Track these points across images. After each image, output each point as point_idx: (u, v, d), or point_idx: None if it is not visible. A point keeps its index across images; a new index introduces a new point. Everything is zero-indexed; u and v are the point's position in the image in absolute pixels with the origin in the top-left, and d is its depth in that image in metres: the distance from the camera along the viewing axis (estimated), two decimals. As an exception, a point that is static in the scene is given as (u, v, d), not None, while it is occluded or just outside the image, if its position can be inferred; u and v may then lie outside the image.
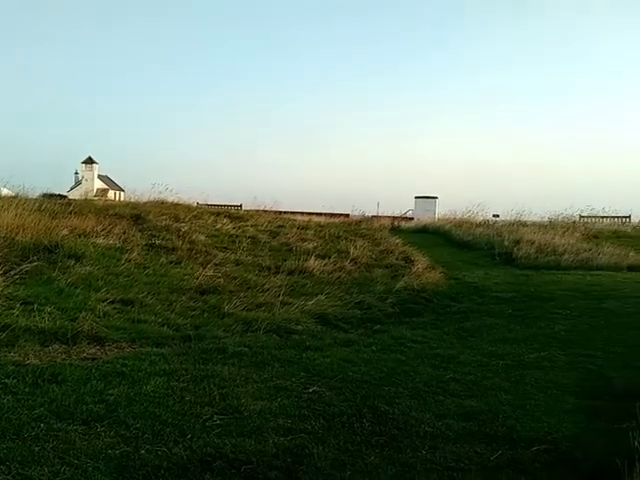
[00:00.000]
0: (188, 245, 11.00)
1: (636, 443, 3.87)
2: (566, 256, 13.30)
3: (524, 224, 19.69)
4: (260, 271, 10.05)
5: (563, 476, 4.00)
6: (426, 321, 8.18)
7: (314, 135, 54.68)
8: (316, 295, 8.69)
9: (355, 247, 12.18)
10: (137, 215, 12.84)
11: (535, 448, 4.32)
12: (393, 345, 7.00)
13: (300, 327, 7.42)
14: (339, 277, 10.10)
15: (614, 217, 25.35)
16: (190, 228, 12.40)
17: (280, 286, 8.92)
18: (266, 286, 8.88)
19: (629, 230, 22.27)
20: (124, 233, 11.21)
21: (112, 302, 7.45)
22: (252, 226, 13.98)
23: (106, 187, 51.40)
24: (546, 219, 22.07)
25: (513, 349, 6.83)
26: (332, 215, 23.54)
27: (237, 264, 10.34)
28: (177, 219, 13.10)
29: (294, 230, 14.02)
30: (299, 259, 10.82)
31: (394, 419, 4.78)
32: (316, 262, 10.57)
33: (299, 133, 52.29)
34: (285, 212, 22.12)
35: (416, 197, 31.37)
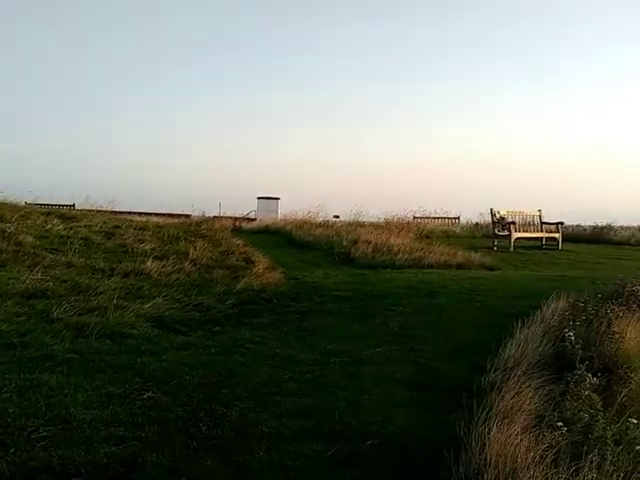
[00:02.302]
0: (14, 247, 10.33)
1: (462, 433, 4.07)
2: (400, 255, 13.80)
3: (362, 224, 20.29)
4: (93, 274, 9.62)
5: (396, 467, 4.13)
6: (266, 322, 8.18)
7: (154, 134, 53.51)
8: (153, 298, 8.45)
9: (195, 248, 11.98)
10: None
11: (369, 442, 4.44)
12: (232, 347, 6.94)
13: (135, 331, 7.17)
14: (178, 279, 9.88)
15: (445, 218, 26.69)
16: (17, 229, 11.65)
17: (115, 289, 8.58)
18: (99, 289, 8.51)
19: (458, 230, 23.56)
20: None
21: None
22: (85, 226, 13.37)
23: None
24: (382, 220, 22.84)
25: (350, 346, 6.98)
26: (172, 215, 23.10)
27: (68, 266, 9.84)
28: (2, 219, 12.27)
29: (131, 231, 13.56)
30: (136, 261, 10.48)
31: (231, 421, 4.73)
32: (154, 264, 10.28)
33: (138, 132, 50.98)
34: (122, 212, 21.43)
35: (258, 198, 31.46)
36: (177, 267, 10.63)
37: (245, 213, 30.34)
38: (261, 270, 11.07)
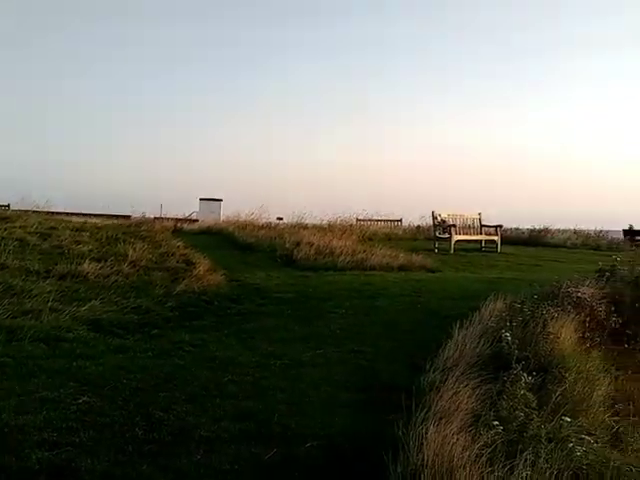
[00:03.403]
0: (-55, 249, 10.00)
1: (400, 433, 4.09)
2: (343, 257, 13.83)
3: (305, 227, 20.26)
4: (28, 276, 9.36)
5: (334, 469, 4.12)
6: (206, 324, 8.10)
7: (94, 134, 52.61)
8: (90, 300, 8.28)
9: (134, 250, 11.77)
10: None
11: (309, 444, 4.42)
12: (171, 350, 6.84)
13: (71, 335, 7.00)
14: (116, 281, 9.69)
15: (387, 220, 26.88)
16: (-53, 231, 11.27)
17: (50, 292, 8.38)
18: (34, 292, 8.30)
19: (400, 233, 23.77)
20: None
21: None
22: (20, 227, 13.01)
23: None
24: (325, 222, 22.89)
25: (291, 348, 6.97)
26: (111, 216, 22.71)
27: (2, 268, 9.57)
28: None
29: (67, 232, 13.26)
30: (72, 263, 10.24)
31: (169, 425, 4.66)
32: (91, 265, 10.06)
33: (76, 131, 50.02)
34: (59, 213, 20.94)
35: (200, 199, 31.23)
36: (115, 269, 10.43)
37: (187, 214, 30.05)
38: (202, 272, 10.95)
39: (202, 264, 11.73)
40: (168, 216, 26.16)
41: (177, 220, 24.64)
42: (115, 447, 4.24)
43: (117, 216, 23.15)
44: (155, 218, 24.03)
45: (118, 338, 7.21)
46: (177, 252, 13.04)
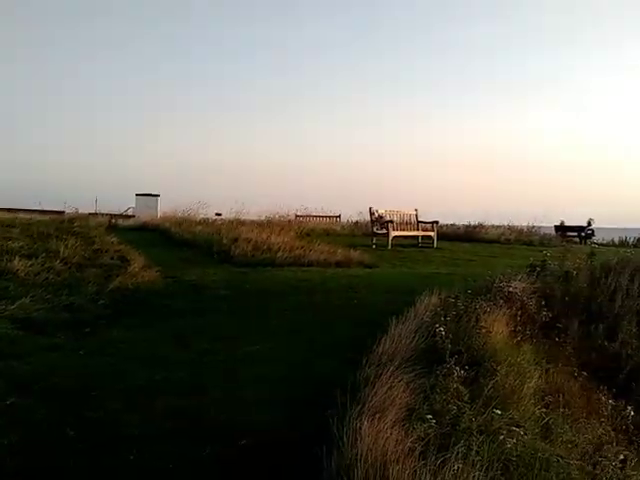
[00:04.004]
0: None
1: (335, 429, 4.09)
2: (281, 253, 13.78)
3: (243, 223, 20.13)
4: (-46, 273, 9.04)
5: (268, 465, 4.10)
6: (140, 321, 7.96)
7: (26, 129, 51.31)
8: (20, 298, 8.03)
9: (66, 246, 11.48)
10: None
11: (243, 441, 4.39)
12: (103, 348, 6.70)
13: (-1, 333, 6.79)
14: (47, 278, 9.43)
15: (326, 216, 26.97)
16: None
17: (-23, 289, 8.10)
18: (-40, 290, 8.01)
19: (338, 229, 23.85)
20: None
21: None
22: (-53, 223, 12.56)
23: None
24: (264, 218, 22.81)
25: (227, 345, 6.90)
26: (43, 212, 22.10)
27: None
28: None
29: (-4, 228, 12.85)
30: (2, 259, 9.93)
31: (100, 425, 4.57)
32: (21, 262, 9.77)
33: (10, 128, 48.67)
34: (-13, 208, 20.32)
35: (137, 194, 30.73)
36: (47, 266, 10.15)
37: (123, 210, 29.55)
38: (136, 269, 10.74)
39: (137, 261, 11.52)
40: (103, 212, 25.68)
41: (112, 216, 24.21)
42: (45, 447, 4.15)
43: (50, 212, 22.53)
44: (90, 214, 23.54)
45: (49, 337, 7.02)
46: (111, 248, 12.79)
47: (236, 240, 14.97)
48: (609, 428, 5.50)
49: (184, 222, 19.96)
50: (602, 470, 4.17)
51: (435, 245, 19.36)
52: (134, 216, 26.79)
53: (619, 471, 4.23)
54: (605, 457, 4.48)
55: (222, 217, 23.38)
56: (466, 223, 24.46)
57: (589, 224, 25.60)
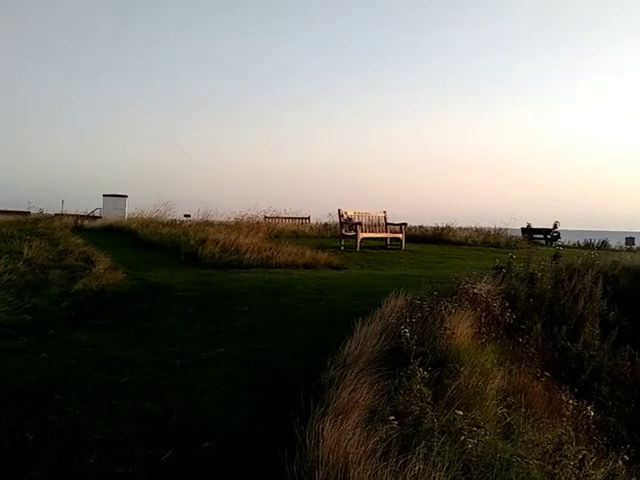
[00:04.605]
0: None
1: (297, 432, 4.09)
2: (248, 255, 13.75)
3: (211, 224, 20.06)
4: None
5: (232, 468, 4.09)
6: (104, 324, 7.86)
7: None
8: (-19, 300, 7.89)
9: (30, 247, 11.33)
10: None
11: (207, 444, 4.37)
12: (66, 350, 6.61)
13: (-41, 336, 6.67)
14: (10, 280, 9.27)
15: (295, 218, 26.99)
16: None
17: (-63, 292, 7.95)
18: None
19: (307, 230, 23.87)
20: None
21: None
22: None
23: None
24: (233, 219, 22.75)
25: (192, 347, 6.85)
26: (7, 212, 21.82)
27: None
28: None
29: (-42, 229, 12.63)
30: (-37, 261, 9.76)
31: (62, 429, 4.51)
32: (-17, 264, 9.62)
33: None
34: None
35: (104, 195, 30.48)
36: (10, 267, 9.99)
37: (90, 211, 29.28)
38: (101, 270, 10.64)
39: (102, 262, 11.41)
40: (69, 213, 25.41)
41: (78, 217, 23.96)
42: (4, 452, 4.09)
43: (14, 212, 22.24)
44: (56, 215, 23.26)
45: (10, 340, 6.90)
46: (76, 250, 12.65)
47: (204, 241, 14.91)
48: (569, 428, 5.58)
49: (151, 223, 19.83)
50: (561, 470, 4.22)
51: (403, 247, 19.48)
52: (101, 217, 26.55)
53: (577, 470, 4.29)
54: (565, 457, 4.54)
55: (191, 218, 23.28)
56: (434, 225, 24.63)
57: (555, 226, 26.00)
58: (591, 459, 4.77)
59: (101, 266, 10.99)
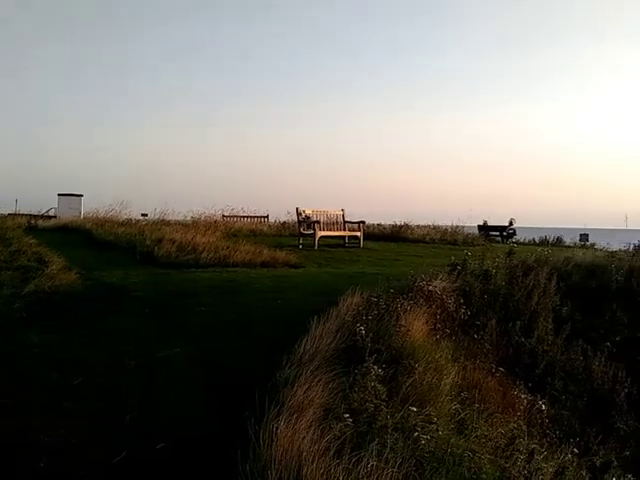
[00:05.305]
0: None
1: (251, 432, 4.08)
2: (205, 254, 13.65)
3: (168, 223, 19.87)
4: None
5: (185, 469, 4.07)
6: (57, 325, 7.73)
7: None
8: None
9: (-19, 248, 11.08)
10: None
11: (161, 445, 4.34)
12: (18, 352, 6.50)
13: None
14: (-43, 282, 9.07)
15: (254, 217, 26.87)
16: None
17: None
18: None
19: (266, 229, 23.78)
20: None
21: None
22: None
23: None
24: (189, 218, 22.59)
25: (147, 348, 6.79)
26: (-42, 213, 21.35)
27: None
28: None
29: None
30: None
31: (11, 432, 4.45)
32: None
33: None
34: None
35: (59, 194, 30.00)
36: (-42, 269, 9.77)
37: (44, 211, 28.78)
38: (55, 271, 10.44)
39: (55, 262, 11.21)
40: (23, 212, 24.94)
41: (32, 217, 23.52)
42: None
43: (-35, 213, 21.76)
44: (9, 214, 22.82)
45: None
46: (29, 250, 12.41)
47: (160, 241, 14.75)
48: (522, 422, 5.66)
49: (107, 223, 19.56)
50: (513, 463, 4.28)
51: (362, 245, 19.51)
52: (56, 217, 26.10)
53: (526, 464, 4.36)
54: (518, 450, 4.61)
55: (148, 218, 23.04)
56: (392, 223, 24.75)
57: (511, 224, 26.41)
58: (542, 452, 4.86)
59: (54, 266, 10.79)
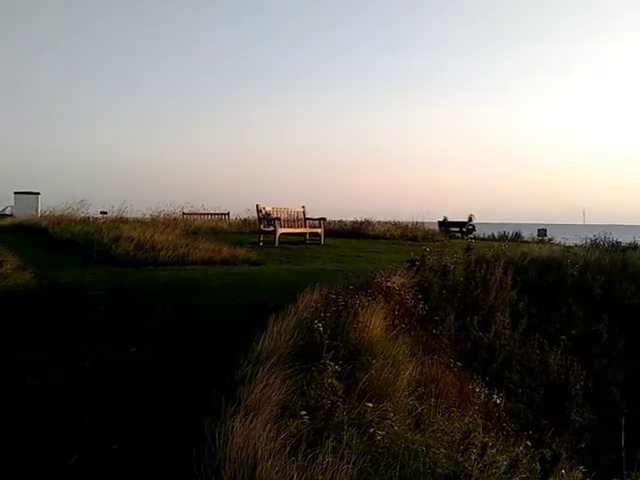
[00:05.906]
0: None
1: (207, 431, 4.05)
2: (164, 252, 13.54)
3: (126, 221, 19.63)
4: None
5: (142, 471, 4.03)
6: (12, 326, 7.57)
7: None
8: None
9: None
10: None
11: (115, 446, 4.31)
12: (-31, 354, 6.37)
13: None
14: None
15: (214, 214, 26.70)
16: None
17: None
18: None
19: (226, 226, 23.65)
20: None
21: None
22: None
23: None
24: (148, 216, 22.35)
25: (104, 348, 6.73)
26: None
27: None
28: None
29: None
30: None
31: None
32: None
33: None
34: None
35: (15, 192, 29.56)
36: None
37: (1, 209, 28.29)
38: (9, 271, 10.25)
39: (10, 262, 11.01)
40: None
41: (-13, 216, 23.08)
42: None
43: None
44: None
45: None
46: (-18, 250, 12.16)
47: (118, 239, 14.57)
48: (477, 416, 5.72)
49: (63, 221, 19.24)
50: (467, 457, 4.32)
51: (322, 242, 19.53)
52: (11, 215, 25.64)
53: (479, 457, 4.40)
54: (472, 444, 4.65)
55: (107, 216, 22.73)
56: (353, 220, 24.82)
57: (470, 220, 26.71)
58: (496, 446, 4.91)
59: (8, 266, 10.59)
